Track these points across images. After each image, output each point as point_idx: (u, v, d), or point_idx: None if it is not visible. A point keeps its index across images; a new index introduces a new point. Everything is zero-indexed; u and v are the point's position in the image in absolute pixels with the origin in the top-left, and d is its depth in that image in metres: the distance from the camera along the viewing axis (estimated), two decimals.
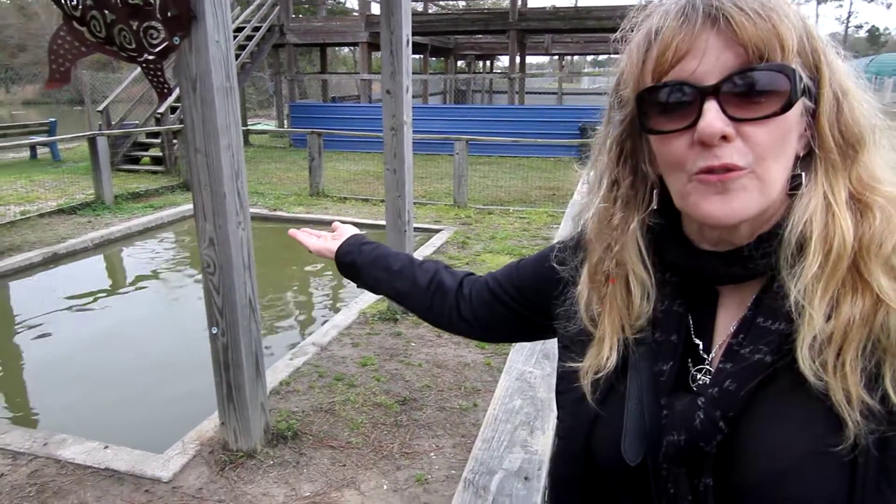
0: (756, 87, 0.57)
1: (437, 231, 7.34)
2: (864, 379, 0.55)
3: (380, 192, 9.84)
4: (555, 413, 1.34)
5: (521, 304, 0.91)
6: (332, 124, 13.91)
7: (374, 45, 15.32)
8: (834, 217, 0.58)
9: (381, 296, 4.94)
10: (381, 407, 3.47)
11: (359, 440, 3.15)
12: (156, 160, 12.21)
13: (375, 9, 16.25)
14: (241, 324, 2.79)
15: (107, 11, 2.48)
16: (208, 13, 2.44)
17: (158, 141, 12.02)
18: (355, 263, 1.08)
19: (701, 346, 0.67)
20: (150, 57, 2.54)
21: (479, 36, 21.43)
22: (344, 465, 2.95)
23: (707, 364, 0.66)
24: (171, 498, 2.71)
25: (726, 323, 0.66)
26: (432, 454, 3.05)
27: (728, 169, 0.58)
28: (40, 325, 5.01)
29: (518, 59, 15.82)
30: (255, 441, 2.99)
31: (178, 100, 12.54)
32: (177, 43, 2.47)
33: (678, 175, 0.62)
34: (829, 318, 0.57)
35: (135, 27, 2.48)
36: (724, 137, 0.58)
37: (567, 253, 0.81)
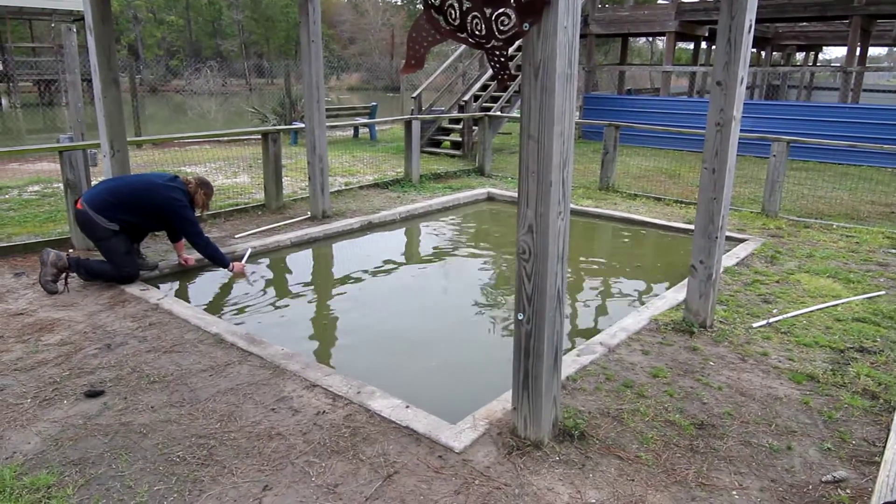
0: None
1: (741, 241, 6.61)
2: None
3: (672, 191, 9.27)
4: None
5: None
6: (624, 117, 13.49)
7: (681, 35, 14.43)
8: None
9: (675, 304, 4.46)
10: (674, 426, 3.19)
11: (649, 457, 2.93)
12: (455, 145, 13.16)
13: None
14: (548, 314, 2.75)
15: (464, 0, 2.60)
16: None
17: (459, 127, 12.91)
18: None
19: None
20: (498, 43, 2.59)
21: (805, 24, 18.85)
22: (632, 480, 2.76)
23: None
24: (461, 469, 2.80)
25: None
26: (734, 493, 2.70)
27: None
28: (354, 284, 5.69)
29: (858, 51, 13.52)
30: (544, 433, 2.96)
31: (482, 88, 13.25)
32: (526, 29, 2.48)
33: None
34: None
35: (487, 14, 2.55)
36: None
37: None
